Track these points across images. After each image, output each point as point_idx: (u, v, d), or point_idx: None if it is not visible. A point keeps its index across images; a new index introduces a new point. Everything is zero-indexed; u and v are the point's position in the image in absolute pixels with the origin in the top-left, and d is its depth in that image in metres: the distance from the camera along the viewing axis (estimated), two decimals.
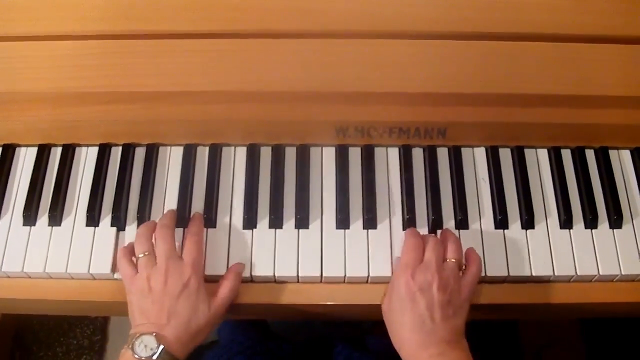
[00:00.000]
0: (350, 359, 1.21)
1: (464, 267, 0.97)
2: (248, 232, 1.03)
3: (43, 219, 1.05)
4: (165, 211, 1.05)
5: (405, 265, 0.94)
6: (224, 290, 0.97)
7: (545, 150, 1.12)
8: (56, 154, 1.10)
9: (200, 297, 0.94)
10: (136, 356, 0.87)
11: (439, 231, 1.04)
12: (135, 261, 0.97)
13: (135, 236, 0.99)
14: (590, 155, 1.12)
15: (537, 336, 1.94)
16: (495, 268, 1.01)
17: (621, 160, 1.12)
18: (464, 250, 0.99)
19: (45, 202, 1.06)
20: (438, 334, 0.89)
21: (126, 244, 1.02)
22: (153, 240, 0.98)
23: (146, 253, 0.96)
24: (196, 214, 1.04)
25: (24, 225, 1.04)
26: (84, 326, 2.03)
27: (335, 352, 1.24)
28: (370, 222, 1.04)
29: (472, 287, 0.95)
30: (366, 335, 1.37)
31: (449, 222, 1.05)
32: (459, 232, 1.04)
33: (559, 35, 1.04)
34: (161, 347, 0.88)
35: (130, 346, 0.89)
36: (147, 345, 0.88)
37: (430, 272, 0.92)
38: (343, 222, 1.04)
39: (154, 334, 0.89)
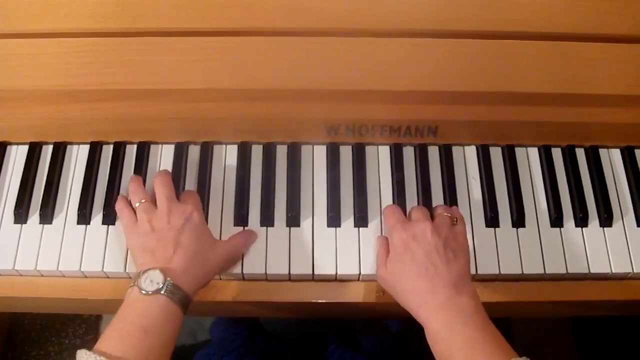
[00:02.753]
0: (343, 358, 1.21)
1: (455, 220, 0.98)
2: (239, 229, 1.03)
3: (34, 217, 1.05)
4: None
5: (393, 225, 0.95)
6: (236, 238, 0.99)
7: (536, 149, 1.12)
8: (47, 152, 1.10)
9: (204, 230, 0.96)
10: (143, 292, 0.86)
11: None
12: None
13: (129, 190, 1.00)
14: (580, 153, 1.12)
15: (529, 336, 1.95)
16: (486, 266, 1.02)
17: (611, 159, 1.12)
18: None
19: (37, 200, 1.06)
20: (443, 277, 0.88)
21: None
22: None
23: (143, 200, 0.97)
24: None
25: (15, 223, 1.04)
26: (76, 325, 2.03)
27: (329, 351, 1.24)
28: (361, 220, 1.04)
29: (465, 236, 0.96)
30: (359, 334, 1.37)
31: None
32: None
33: (549, 34, 1.04)
34: (168, 279, 0.87)
35: (135, 283, 0.87)
36: (152, 279, 0.87)
37: (421, 222, 0.93)
38: (334, 220, 1.04)
39: (160, 268, 0.88)
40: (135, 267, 0.93)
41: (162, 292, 0.86)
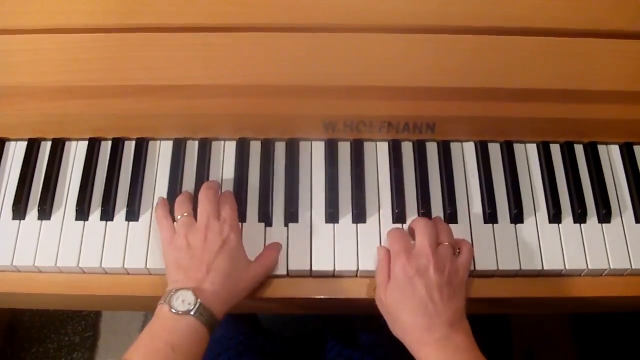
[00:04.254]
0: (341, 354, 1.21)
1: (457, 250, 0.97)
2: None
3: (32, 212, 1.05)
4: (155, 205, 1.05)
5: (398, 252, 0.94)
6: (266, 256, 0.99)
7: (534, 145, 1.12)
8: (46, 148, 1.10)
9: (240, 254, 0.96)
10: (173, 310, 0.87)
11: None
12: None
13: (176, 201, 1.01)
14: (579, 150, 1.12)
15: (528, 333, 1.95)
16: (484, 262, 1.02)
17: (610, 155, 1.12)
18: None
19: (35, 196, 1.06)
20: (441, 315, 0.89)
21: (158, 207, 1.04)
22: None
23: (185, 214, 0.98)
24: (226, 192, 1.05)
25: (13, 219, 1.04)
26: (75, 323, 2.03)
27: (327, 347, 1.24)
28: (359, 216, 1.04)
29: (467, 268, 0.96)
30: (358, 331, 1.37)
31: (440, 217, 1.05)
32: None
33: (548, 30, 1.04)
34: (199, 301, 0.88)
35: (166, 300, 0.88)
36: (184, 299, 0.88)
37: (425, 255, 0.92)
38: (332, 216, 1.04)
39: (192, 289, 0.89)
40: (168, 281, 0.94)
41: (192, 313, 0.87)
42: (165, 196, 1.06)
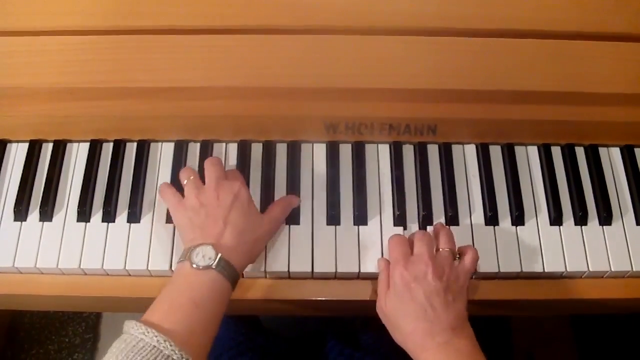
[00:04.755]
0: (342, 355, 1.21)
1: (458, 256, 0.97)
2: None
3: (34, 214, 1.05)
4: (156, 207, 1.06)
5: (396, 260, 0.94)
6: (277, 208, 1.00)
7: (536, 148, 1.12)
8: (47, 149, 1.10)
9: (252, 208, 0.96)
10: (194, 265, 0.87)
11: (429, 227, 1.04)
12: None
13: (180, 171, 1.02)
14: (580, 152, 1.12)
15: (529, 335, 1.95)
16: (485, 264, 1.02)
17: (611, 157, 1.12)
18: (458, 247, 0.99)
19: (37, 198, 1.06)
20: (442, 321, 0.88)
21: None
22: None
23: (191, 177, 0.98)
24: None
25: (15, 220, 1.04)
26: (76, 324, 2.03)
27: (328, 348, 1.24)
28: (360, 218, 1.04)
29: (468, 273, 0.95)
30: (359, 332, 1.37)
31: (440, 219, 1.06)
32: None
33: (550, 32, 1.04)
34: (219, 255, 0.88)
35: (186, 257, 0.88)
36: (205, 254, 0.88)
37: (423, 261, 0.92)
38: (334, 218, 1.04)
39: (212, 244, 0.89)
40: (183, 243, 0.94)
41: (214, 266, 0.87)
42: None
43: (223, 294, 0.89)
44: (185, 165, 1.08)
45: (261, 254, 1.01)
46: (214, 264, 0.87)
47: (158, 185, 1.07)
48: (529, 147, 1.12)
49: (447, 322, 0.88)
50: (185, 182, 0.99)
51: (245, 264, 0.94)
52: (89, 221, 1.04)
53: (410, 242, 0.98)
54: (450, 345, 0.87)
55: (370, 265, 1.01)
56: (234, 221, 0.92)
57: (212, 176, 0.97)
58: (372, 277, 1.00)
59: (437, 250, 0.96)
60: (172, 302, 0.86)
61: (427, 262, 0.92)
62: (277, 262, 1.01)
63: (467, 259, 0.96)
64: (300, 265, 1.01)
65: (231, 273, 0.89)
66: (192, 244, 0.90)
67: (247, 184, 1.06)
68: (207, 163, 1.00)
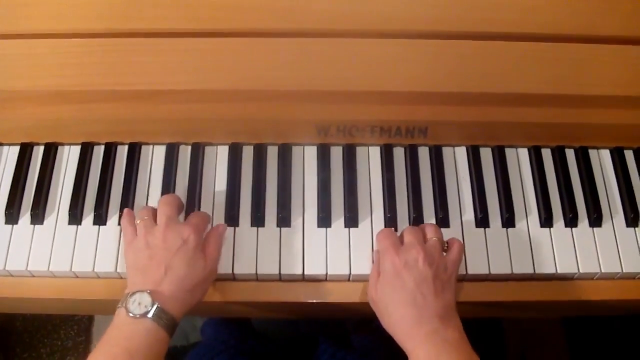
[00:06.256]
0: (334, 357, 1.22)
1: (446, 246, 0.97)
2: (230, 230, 1.04)
3: (25, 217, 1.05)
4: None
5: (386, 248, 0.94)
6: (211, 246, 0.97)
7: (526, 150, 1.12)
8: (39, 152, 1.10)
9: (198, 254, 0.93)
10: (130, 314, 0.86)
11: None
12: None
13: (139, 210, 0.99)
14: (570, 154, 1.13)
15: (521, 337, 1.95)
16: (476, 266, 1.02)
17: (601, 159, 1.13)
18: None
19: (28, 201, 1.06)
20: (430, 309, 0.88)
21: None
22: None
23: (146, 218, 0.96)
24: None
25: (6, 223, 1.04)
26: (68, 327, 2.03)
27: (320, 351, 1.24)
28: (351, 220, 1.04)
29: (456, 264, 0.96)
30: (351, 334, 1.37)
31: (430, 221, 1.06)
32: None
33: (540, 35, 1.04)
34: (156, 304, 0.87)
35: (123, 304, 0.87)
36: (141, 302, 0.87)
37: (414, 248, 0.93)
38: (324, 220, 1.04)
39: (149, 292, 0.88)
40: (127, 284, 0.93)
41: (149, 315, 0.86)
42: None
43: (159, 342, 0.87)
44: (176, 168, 1.08)
45: (251, 261, 1.00)
46: (149, 313, 0.86)
47: (149, 188, 1.07)
48: (520, 149, 1.12)
49: (435, 311, 0.88)
50: (138, 221, 0.97)
51: (183, 310, 0.92)
52: (80, 224, 1.04)
53: (401, 239, 0.99)
54: (437, 334, 0.87)
55: (361, 267, 1.01)
56: (177, 267, 0.91)
57: (162, 216, 0.95)
58: (363, 279, 1.00)
59: (426, 240, 0.96)
60: (108, 353, 0.85)
61: (417, 249, 0.92)
62: (268, 265, 1.01)
63: (454, 249, 0.97)
64: (291, 267, 1.01)
65: (167, 322, 0.87)
66: (131, 289, 0.89)
67: (238, 186, 1.07)
68: (160, 202, 0.98)
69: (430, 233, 0.97)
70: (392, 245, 0.95)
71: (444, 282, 0.92)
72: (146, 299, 0.87)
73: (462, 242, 0.99)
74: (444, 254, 0.96)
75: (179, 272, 0.90)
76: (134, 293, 0.88)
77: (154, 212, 0.98)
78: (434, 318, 0.88)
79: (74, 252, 1.02)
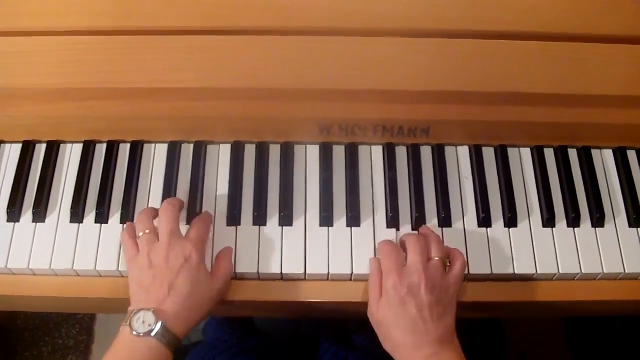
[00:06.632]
0: (335, 357, 1.22)
1: (448, 263, 0.97)
2: (232, 228, 1.04)
3: (27, 215, 1.05)
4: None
5: (389, 271, 0.94)
6: (222, 263, 0.98)
7: (528, 149, 1.12)
8: (40, 150, 1.10)
9: (201, 272, 0.94)
10: (134, 332, 0.87)
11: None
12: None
13: (137, 217, 0.99)
14: (572, 154, 1.12)
15: (521, 337, 1.95)
16: (478, 266, 1.02)
17: (603, 159, 1.13)
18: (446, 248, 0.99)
19: (29, 199, 1.06)
20: (431, 333, 0.89)
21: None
22: (155, 223, 0.98)
23: (147, 231, 0.96)
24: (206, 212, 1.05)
25: (7, 221, 1.04)
26: (70, 326, 2.03)
27: (321, 350, 1.24)
28: (353, 219, 1.04)
29: (458, 284, 0.96)
30: (352, 333, 1.37)
31: (432, 220, 1.06)
32: (441, 230, 1.05)
33: (543, 34, 1.04)
34: (159, 322, 0.87)
35: (127, 322, 0.88)
36: (145, 320, 0.87)
37: (416, 273, 0.92)
38: (327, 219, 1.04)
39: (152, 310, 0.88)
40: (131, 300, 0.93)
41: (153, 334, 0.87)
42: (160, 199, 1.06)
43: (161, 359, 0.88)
44: (178, 166, 1.09)
45: (253, 260, 1.01)
46: (153, 332, 0.87)
47: (151, 186, 1.08)
48: (522, 149, 1.12)
49: (436, 335, 0.89)
50: (140, 234, 0.96)
51: (187, 328, 0.92)
52: (82, 222, 1.04)
53: (401, 244, 0.99)
54: (436, 357, 0.89)
55: (363, 267, 1.01)
56: (180, 286, 0.91)
57: (164, 233, 0.95)
58: (365, 279, 1.00)
59: (429, 259, 0.96)
60: None
61: (420, 274, 0.92)
62: (269, 264, 1.01)
63: (457, 266, 0.96)
64: (293, 266, 1.01)
65: (170, 340, 0.88)
66: (135, 306, 0.90)
67: (241, 185, 1.07)
68: (161, 216, 0.97)
69: (433, 251, 0.96)
70: (394, 267, 0.94)
71: (446, 305, 0.92)
72: (150, 317, 0.88)
73: (464, 256, 0.99)
74: (446, 270, 0.96)
75: (182, 291, 0.91)
76: (138, 311, 0.88)
77: (155, 218, 0.99)
78: (433, 342, 0.89)
79: (75, 250, 1.02)
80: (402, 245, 0.99)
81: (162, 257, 0.92)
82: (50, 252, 1.02)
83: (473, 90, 1.02)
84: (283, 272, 1.01)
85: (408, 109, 1.04)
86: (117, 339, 0.89)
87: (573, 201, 1.07)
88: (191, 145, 1.11)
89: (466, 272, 1.01)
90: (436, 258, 0.95)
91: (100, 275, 1.02)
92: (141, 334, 0.86)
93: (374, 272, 0.97)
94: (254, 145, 1.10)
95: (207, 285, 0.94)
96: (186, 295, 0.91)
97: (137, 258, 0.94)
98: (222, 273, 0.97)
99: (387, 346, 0.94)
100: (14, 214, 1.04)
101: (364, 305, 0.98)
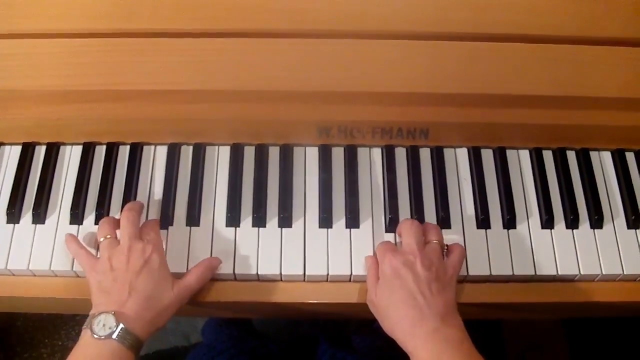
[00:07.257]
0: (334, 358, 1.21)
1: (446, 248, 0.98)
2: (231, 230, 1.04)
3: (27, 217, 1.05)
4: (149, 209, 1.06)
5: (384, 252, 0.95)
6: (191, 276, 0.97)
7: (527, 151, 1.12)
8: (40, 152, 1.10)
9: (162, 274, 0.94)
10: (95, 335, 0.86)
11: None
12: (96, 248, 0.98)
13: (99, 224, 1.00)
14: (571, 156, 1.13)
15: (521, 339, 1.95)
16: (477, 267, 1.02)
17: (602, 161, 1.13)
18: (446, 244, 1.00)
19: (29, 200, 1.06)
20: (431, 308, 0.88)
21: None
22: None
23: (108, 236, 0.97)
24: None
25: (7, 223, 1.04)
26: (69, 327, 2.02)
27: (320, 352, 1.24)
28: (352, 221, 1.04)
29: (457, 267, 0.96)
30: (351, 335, 1.37)
31: (431, 222, 1.05)
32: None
33: (541, 37, 1.04)
34: (120, 325, 0.87)
35: (88, 326, 0.88)
36: (105, 324, 0.87)
37: (411, 252, 0.93)
38: (326, 221, 1.04)
39: (113, 312, 0.88)
40: (92, 304, 0.93)
41: (114, 337, 0.86)
42: (159, 201, 1.06)
43: None
44: (178, 168, 1.09)
45: (252, 261, 1.01)
46: (114, 334, 0.86)
47: (151, 188, 1.08)
48: (521, 151, 1.12)
49: (436, 309, 0.88)
50: (101, 239, 0.97)
51: (150, 330, 0.92)
52: (81, 224, 1.05)
53: (398, 234, 0.99)
54: (438, 333, 0.87)
55: (362, 268, 1.01)
56: (141, 288, 0.91)
57: (125, 236, 0.96)
58: (364, 280, 1.00)
59: (427, 242, 0.96)
60: None
61: (415, 253, 0.92)
62: (269, 265, 1.01)
63: (455, 253, 0.97)
64: (292, 268, 1.01)
65: (132, 342, 0.88)
66: (96, 310, 0.90)
67: (240, 187, 1.07)
68: (123, 220, 0.98)
69: (431, 235, 0.97)
70: (389, 249, 0.95)
71: (444, 283, 0.92)
72: (110, 320, 0.87)
73: (464, 247, 1.00)
74: (445, 257, 0.96)
75: (143, 292, 0.91)
76: (98, 314, 0.88)
77: (115, 226, 0.99)
78: (434, 317, 0.88)
79: None
80: (399, 231, 1.00)
81: (122, 261, 0.93)
82: (50, 254, 1.02)
83: (472, 93, 1.03)
84: (282, 273, 1.01)
85: (407, 111, 1.05)
86: (78, 343, 0.89)
87: (572, 203, 1.07)
88: (191, 147, 1.11)
89: (465, 273, 1.01)
90: (434, 241, 0.96)
91: None
92: (102, 337, 0.86)
93: (370, 265, 0.98)
94: (253, 148, 1.10)
95: (168, 288, 0.94)
96: (147, 296, 0.91)
97: (98, 263, 0.95)
98: (191, 278, 0.97)
99: (387, 326, 0.92)
100: (14, 215, 1.04)
101: (363, 306, 0.98)
